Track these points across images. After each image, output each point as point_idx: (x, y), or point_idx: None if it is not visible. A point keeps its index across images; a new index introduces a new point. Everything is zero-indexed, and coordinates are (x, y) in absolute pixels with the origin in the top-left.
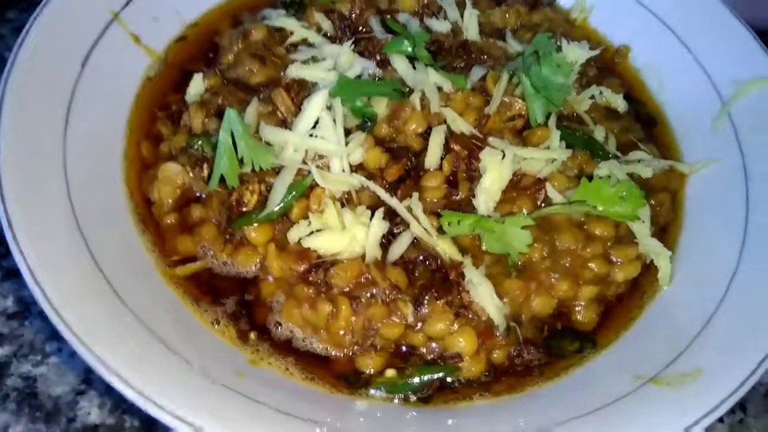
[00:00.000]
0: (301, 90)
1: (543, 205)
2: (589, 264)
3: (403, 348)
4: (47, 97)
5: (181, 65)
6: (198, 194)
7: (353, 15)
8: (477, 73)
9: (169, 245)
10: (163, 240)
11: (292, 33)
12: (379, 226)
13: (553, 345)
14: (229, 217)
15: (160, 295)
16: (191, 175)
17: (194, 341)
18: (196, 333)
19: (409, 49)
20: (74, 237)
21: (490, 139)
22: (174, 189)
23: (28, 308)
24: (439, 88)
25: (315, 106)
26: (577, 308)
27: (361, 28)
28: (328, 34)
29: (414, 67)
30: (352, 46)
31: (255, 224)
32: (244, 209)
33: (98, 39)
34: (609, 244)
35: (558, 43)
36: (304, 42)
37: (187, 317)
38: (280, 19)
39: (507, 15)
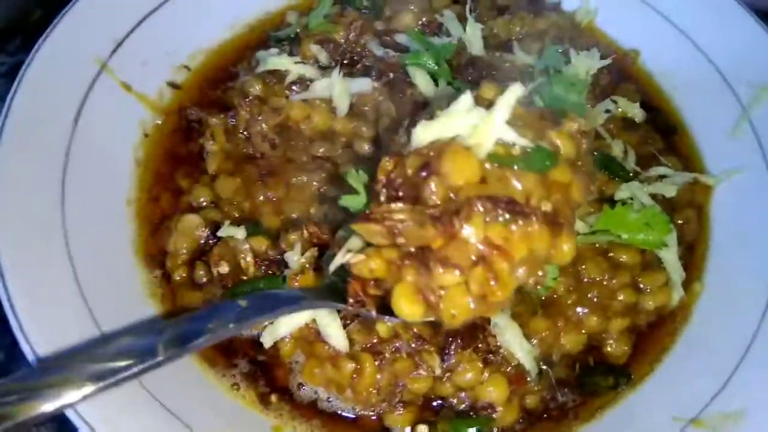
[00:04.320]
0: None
1: None
2: (618, 294)
3: (432, 400)
4: (41, 159)
5: (179, 112)
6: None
7: (350, 41)
8: None
9: (179, 302)
10: (173, 297)
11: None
12: None
13: (586, 382)
14: (224, 285)
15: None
16: None
17: (213, 411)
18: (216, 401)
19: (431, 63)
20: (79, 308)
21: None
22: (191, 241)
23: None
24: None
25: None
26: (608, 341)
27: (360, 51)
28: (324, 66)
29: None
30: (341, 73)
31: None
32: (244, 277)
33: (88, 92)
34: (636, 271)
35: (567, 47)
36: (302, 79)
37: (205, 386)
38: (271, 60)
39: (511, 24)
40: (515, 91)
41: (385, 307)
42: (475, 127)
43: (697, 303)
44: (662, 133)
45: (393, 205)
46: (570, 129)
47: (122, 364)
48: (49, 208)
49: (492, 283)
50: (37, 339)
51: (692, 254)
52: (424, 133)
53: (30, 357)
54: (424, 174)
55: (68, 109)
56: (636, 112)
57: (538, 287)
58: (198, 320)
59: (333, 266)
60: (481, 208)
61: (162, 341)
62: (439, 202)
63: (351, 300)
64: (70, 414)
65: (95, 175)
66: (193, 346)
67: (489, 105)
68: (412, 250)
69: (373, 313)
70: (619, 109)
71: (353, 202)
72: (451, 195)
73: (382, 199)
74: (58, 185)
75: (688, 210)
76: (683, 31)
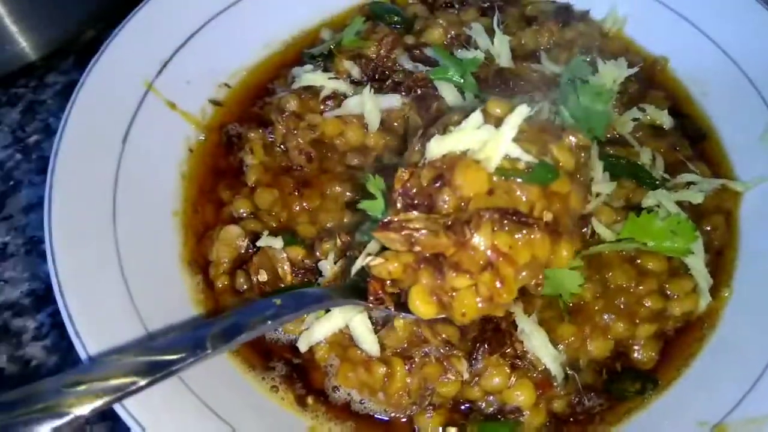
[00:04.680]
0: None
1: (591, 240)
2: (644, 301)
3: (461, 403)
4: (94, 174)
5: (221, 128)
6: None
7: (381, 56)
8: None
9: (221, 308)
10: (216, 303)
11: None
12: None
13: (613, 388)
14: (263, 292)
15: (217, 367)
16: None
17: (254, 412)
18: (257, 403)
19: (457, 77)
20: (129, 312)
21: None
22: (232, 250)
23: None
24: None
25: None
26: (635, 347)
27: (391, 66)
28: (357, 80)
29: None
30: (371, 88)
31: None
32: (281, 285)
33: (136, 112)
34: (663, 278)
35: (594, 56)
36: (335, 94)
37: (245, 388)
38: (305, 76)
39: (539, 35)
40: (522, 111)
41: (402, 305)
42: (485, 142)
43: (726, 309)
44: (691, 140)
45: (410, 214)
46: (569, 143)
47: (175, 357)
48: (101, 219)
49: (498, 285)
50: (89, 340)
51: (721, 260)
52: (438, 147)
53: (83, 356)
54: (437, 185)
55: (119, 126)
56: (664, 120)
57: (539, 288)
58: (240, 316)
59: (355, 268)
60: (490, 219)
61: (210, 335)
62: (451, 211)
63: (371, 298)
64: (122, 413)
65: (144, 188)
66: (238, 340)
67: (497, 119)
68: (427, 255)
69: (392, 309)
70: (648, 117)
71: (372, 206)
72: (462, 204)
73: (399, 206)
74: (110, 198)
75: (717, 216)
76: (712, 37)
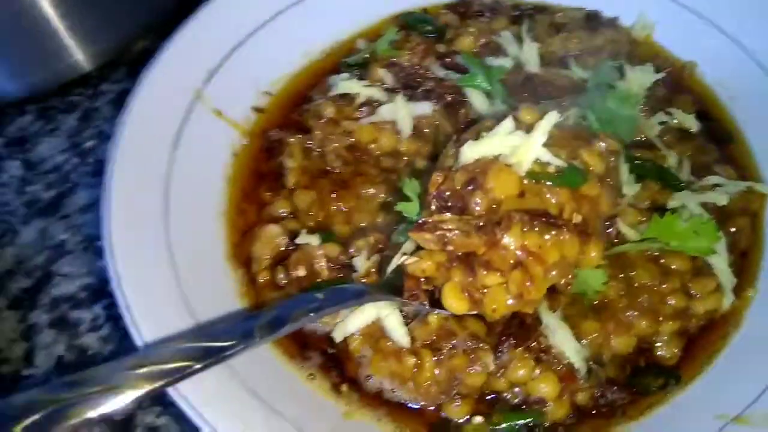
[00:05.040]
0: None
1: (616, 240)
2: (668, 299)
3: (488, 394)
4: (147, 178)
5: (263, 134)
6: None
7: (413, 64)
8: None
9: (262, 300)
10: (258, 296)
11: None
12: None
13: (636, 383)
14: (301, 287)
15: (261, 356)
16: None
17: (293, 398)
18: (296, 390)
19: (484, 84)
20: (179, 305)
21: None
22: (273, 248)
23: None
24: None
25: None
26: (658, 344)
27: (423, 73)
28: (391, 88)
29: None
30: (406, 96)
31: None
32: (318, 280)
33: (185, 119)
34: (687, 277)
35: (622, 63)
36: (370, 101)
37: (285, 375)
38: (341, 84)
39: (567, 42)
40: (552, 118)
41: (435, 301)
42: (516, 147)
43: (750, 309)
44: (718, 143)
45: (443, 216)
46: (599, 148)
47: (226, 344)
48: (154, 221)
49: (528, 284)
50: (144, 328)
51: (746, 261)
52: (471, 152)
53: (138, 343)
54: (470, 188)
55: (169, 132)
56: (691, 123)
57: (568, 288)
58: (285, 308)
59: (391, 267)
60: (520, 220)
61: (257, 326)
62: (483, 213)
63: (407, 294)
64: (177, 398)
65: (192, 190)
66: (283, 331)
67: (528, 126)
68: (459, 254)
69: (426, 305)
70: (675, 120)
71: (407, 208)
72: (494, 206)
73: (433, 208)
74: (162, 199)
75: (742, 218)
76: (739, 42)
